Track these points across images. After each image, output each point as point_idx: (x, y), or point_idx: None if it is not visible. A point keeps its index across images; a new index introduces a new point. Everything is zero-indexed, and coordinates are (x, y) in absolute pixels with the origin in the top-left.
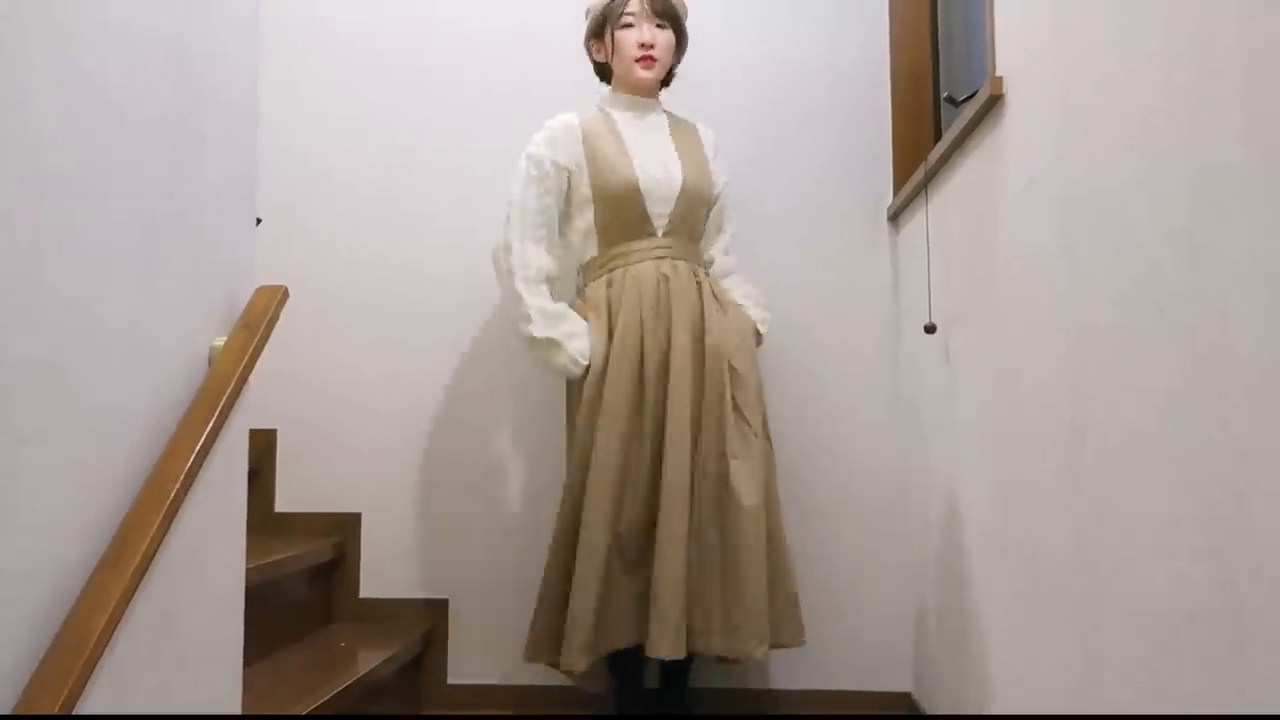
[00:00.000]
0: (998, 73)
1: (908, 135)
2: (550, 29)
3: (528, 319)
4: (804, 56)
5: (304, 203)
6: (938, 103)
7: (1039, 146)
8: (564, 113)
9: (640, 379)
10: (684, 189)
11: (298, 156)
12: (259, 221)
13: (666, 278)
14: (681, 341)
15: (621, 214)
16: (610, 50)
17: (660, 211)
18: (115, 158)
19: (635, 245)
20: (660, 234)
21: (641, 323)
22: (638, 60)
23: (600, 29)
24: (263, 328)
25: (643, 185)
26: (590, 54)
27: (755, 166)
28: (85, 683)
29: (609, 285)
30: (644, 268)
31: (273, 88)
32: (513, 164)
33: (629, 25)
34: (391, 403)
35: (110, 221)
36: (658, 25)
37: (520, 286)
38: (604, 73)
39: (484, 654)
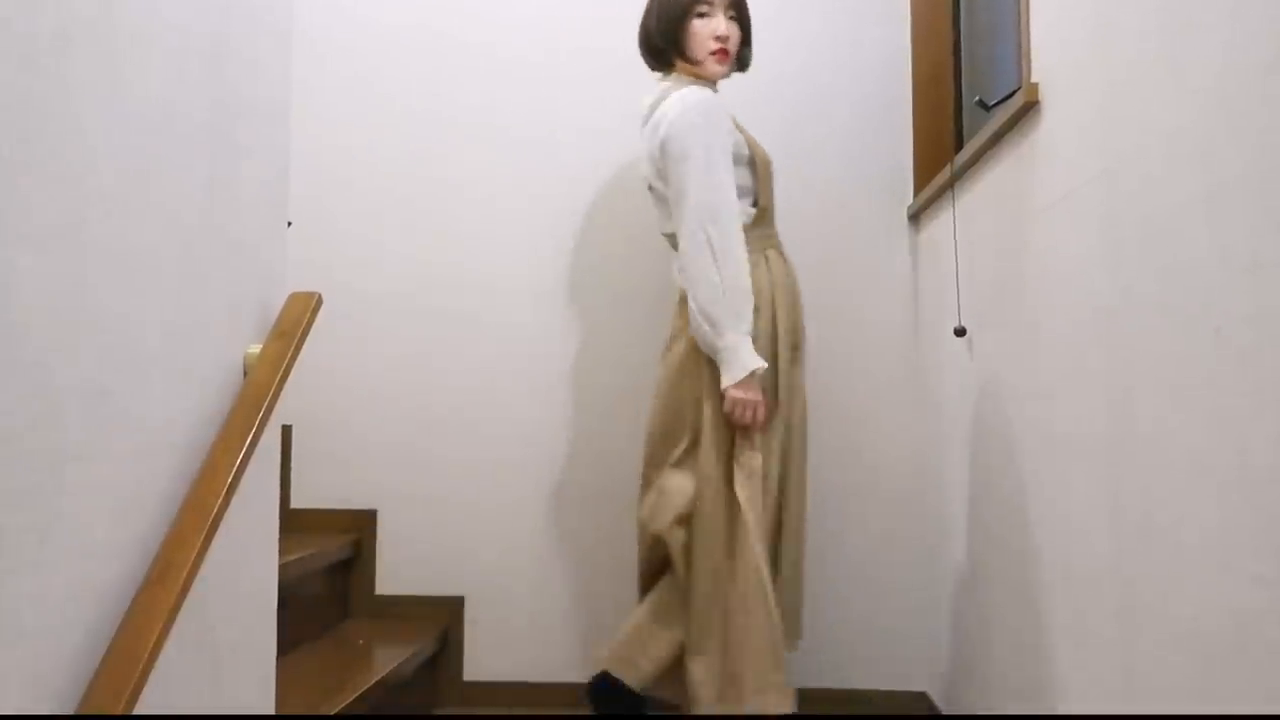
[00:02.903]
0: (1033, 79)
1: (929, 135)
2: (585, 22)
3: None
4: (822, 53)
5: (322, 201)
6: (959, 104)
7: (1078, 156)
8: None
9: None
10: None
11: (315, 153)
12: (289, 225)
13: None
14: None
15: (769, 191)
16: (685, 38)
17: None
18: (158, 172)
19: (773, 229)
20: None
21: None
22: (712, 53)
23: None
24: (298, 336)
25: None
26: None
27: (776, 162)
28: (137, 698)
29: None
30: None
31: (297, 87)
32: (537, 166)
33: (704, 15)
34: (408, 399)
35: (152, 236)
36: (730, 17)
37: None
38: (659, 57)
39: (501, 651)
